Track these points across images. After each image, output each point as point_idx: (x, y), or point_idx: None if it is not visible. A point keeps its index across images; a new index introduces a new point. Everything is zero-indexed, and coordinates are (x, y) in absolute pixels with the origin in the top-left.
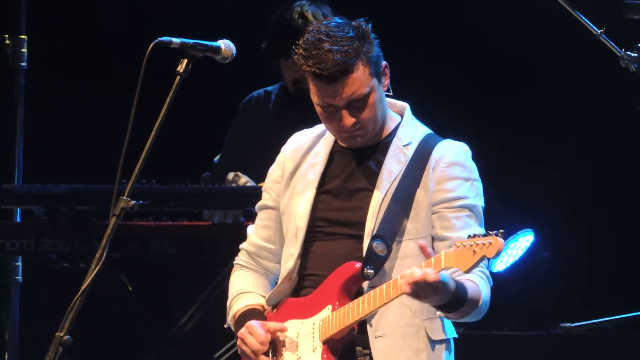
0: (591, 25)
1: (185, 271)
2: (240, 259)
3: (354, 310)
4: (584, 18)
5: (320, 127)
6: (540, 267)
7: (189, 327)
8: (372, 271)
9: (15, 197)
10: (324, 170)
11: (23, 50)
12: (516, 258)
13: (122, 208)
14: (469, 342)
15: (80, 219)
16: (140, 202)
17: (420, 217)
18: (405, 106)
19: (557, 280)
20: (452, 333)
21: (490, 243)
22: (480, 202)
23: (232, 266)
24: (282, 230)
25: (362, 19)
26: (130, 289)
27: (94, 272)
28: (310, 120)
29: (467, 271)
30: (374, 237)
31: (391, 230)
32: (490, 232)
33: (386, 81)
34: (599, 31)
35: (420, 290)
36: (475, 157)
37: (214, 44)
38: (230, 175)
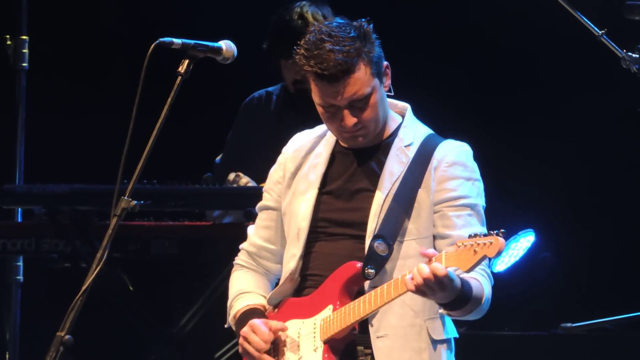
0: (592, 26)
1: (186, 271)
2: (241, 259)
3: (355, 310)
4: (585, 19)
5: (321, 128)
6: (541, 267)
7: (190, 327)
8: (373, 271)
9: (16, 197)
10: (325, 170)
11: (24, 50)
12: (517, 258)
13: (123, 208)
14: (470, 342)
15: (81, 219)
16: (141, 202)
17: (422, 218)
18: (407, 106)
19: (558, 280)
20: (453, 333)
21: (491, 243)
22: (481, 202)
23: (232, 266)
24: (283, 231)
25: (363, 19)
26: (131, 288)
27: (95, 272)
28: (311, 120)
29: (468, 271)
30: (375, 237)
31: (392, 230)
32: (491, 232)
33: (387, 81)
34: (600, 32)
35: (427, 287)
36: (476, 157)
37: (215, 44)
38: (231, 176)
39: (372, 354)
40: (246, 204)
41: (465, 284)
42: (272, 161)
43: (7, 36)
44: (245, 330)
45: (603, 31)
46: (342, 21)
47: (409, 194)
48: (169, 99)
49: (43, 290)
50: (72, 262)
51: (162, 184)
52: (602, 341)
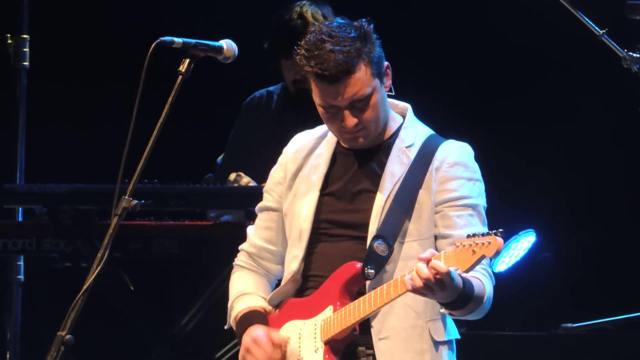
0: (593, 25)
1: (187, 271)
2: (241, 259)
3: (355, 310)
4: (585, 18)
5: (322, 128)
6: (541, 267)
7: (191, 326)
8: (372, 271)
9: (17, 196)
10: (327, 171)
11: (25, 49)
12: (518, 258)
13: (124, 207)
14: (470, 342)
15: (82, 218)
16: (142, 201)
17: (423, 219)
18: (407, 107)
19: (558, 280)
20: (455, 334)
21: (489, 242)
22: (482, 202)
23: (232, 267)
24: (284, 232)
25: (364, 19)
26: (132, 288)
27: (96, 271)
28: (312, 120)
29: (467, 270)
30: (375, 237)
31: (393, 231)
32: (490, 232)
33: (388, 82)
34: (601, 32)
35: (427, 287)
36: (477, 157)
37: (216, 43)
38: (232, 176)
39: (373, 355)
40: (247, 204)
41: (467, 283)
42: (273, 161)
43: (8, 35)
44: (247, 343)
45: (604, 31)
46: (342, 21)
47: (410, 194)
48: (170, 99)
49: (44, 290)
50: (73, 262)
51: (163, 183)
52: (603, 341)
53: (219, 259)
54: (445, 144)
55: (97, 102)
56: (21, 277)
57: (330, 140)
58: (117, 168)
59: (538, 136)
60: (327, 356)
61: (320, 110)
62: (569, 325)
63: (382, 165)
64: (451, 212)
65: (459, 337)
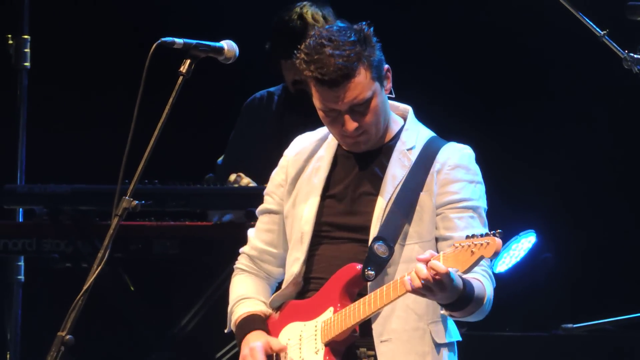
0: (594, 26)
1: (188, 271)
2: (241, 262)
3: (356, 311)
4: (587, 19)
5: (323, 130)
6: (542, 268)
7: (191, 327)
8: (372, 272)
9: (18, 197)
10: (328, 174)
11: (26, 50)
12: (518, 259)
13: (124, 208)
14: (470, 343)
15: (83, 219)
16: (143, 202)
17: (425, 221)
18: (408, 109)
19: (558, 281)
20: (456, 336)
21: (488, 243)
22: (483, 204)
23: (233, 268)
24: (285, 235)
25: (364, 23)
26: (132, 289)
27: (96, 272)
28: (312, 121)
29: (466, 271)
30: (375, 239)
31: (394, 233)
32: (489, 232)
33: (388, 85)
34: (602, 32)
35: (426, 288)
36: (478, 159)
37: (217, 44)
38: (233, 177)
39: (375, 356)
40: (248, 204)
41: (467, 284)
42: (274, 161)
43: (9, 35)
44: (244, 352)
45: (605, 32)
46: (342, 25)
47: (411, 197)
48: (171, 99)
49: (44, 290)
50: (73, 262)
51: (164, 184)
52: (603, 342)
53: (220, 259)
54: (446, 147)
55: (98, 103)
56: (21, 277)
57: (331, 142)
58: (118, 168)
59: (538, 137)
60: (327, 357)
61: (320, 114)
62: (569, 325)
63: (384, 168)
64: (452, 214)
65: (460, 338)
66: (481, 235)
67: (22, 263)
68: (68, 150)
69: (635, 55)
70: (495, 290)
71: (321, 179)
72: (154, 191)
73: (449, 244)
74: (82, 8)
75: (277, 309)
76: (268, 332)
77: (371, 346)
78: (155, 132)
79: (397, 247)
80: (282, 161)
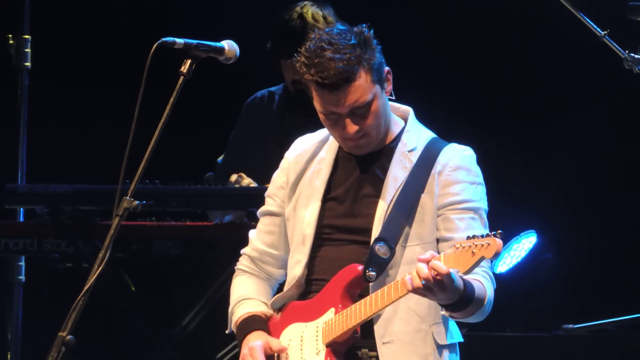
0: (595, 27)
1: (188, 272)
2: (242, 264)
3: (357, 312)
4: (587, 19)
5: (323, 132)
6: (542, 268)
7: (192, 327)
8: (374, 273)
9: (19, 196)
10: (329, 176)
11: (27, 50)
12: (519, 259)
13: (125, 208)
14: (471, 343)
15: (83, 218)
16: (144, 202)
17: (426, 222)
18: (409, 110)
19: (559, 281)
20: (458, 337)
21: (488, 244)
22: (484, 205)
23: (234, 268)
24: (286, 237)
25: (364, 25)
26: (133, 289)
27: (97, 272)
28: (313, 121)
29: (467, 272)
30: (376, 240)
31: (395, 234)
32: (489, 233)
33: (389, 87)
34: (603, 32)
35: (427, 287)
36: (478, 159)
37: (218, 44)
38: (234, 177)
39: (377, 357)
40: (248, 205)
41: (468, 285)
42: (274, 161)
43: (10, 35)
44: (244, 353)
45: (605, 32)
46: (342, 27)
47: (413, 199)
48: (172, 99)
49: (45, 290)
50: (74, 262)
51: (165, 184)
52: (604, 342)
53: (221, 259)
54: (447, 148)
55: (99, 103)
56: (22, 277)
57: (332, 144)
58: (119, 168)
59: (539, 137)
60: (328, 358)
61: (321, 117)
62: (570, 326)
63: (385, 170)
64: (453, 215)
65: (462, 340)
66: (482, 236)
67: (23, 263)
68: (69, 150)
69: (636, 56)
70: (496, 290)
71: (322, 181)
72: (154, 191)
73: (450, 245)
74: (82, 8)
75: (279, 310)
76: (269, 333)
77: (373, 347)
78: (156, 132)
79: (398, 249)
80: (283, 163)
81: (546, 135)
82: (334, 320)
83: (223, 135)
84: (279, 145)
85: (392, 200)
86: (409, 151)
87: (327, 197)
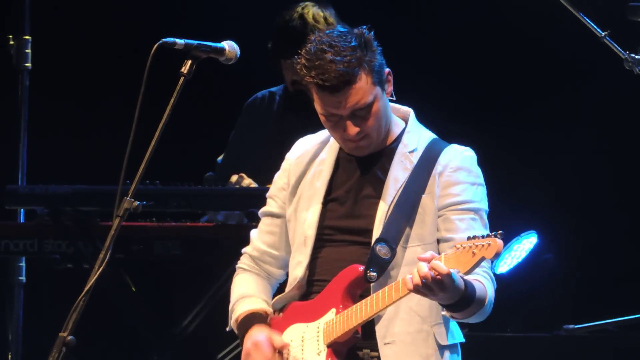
0: (595, 27)
1: (189, 272)
2: (243, 262)
3: (358, 313)
4: (588, 20)
5: (324, 133)
6: (543, 268)
7: (192, 327)
8: (375, 274)
9: (19, 197)
10: (330, 178)
11: (27, 51)
12: (519, 260)
13: (125, 209)
14: (471, 344)
15: (84, 219)
16: (144, 202)
17: (427, 223)
18: (409, 111)
19: (560, 282)
20: (459, 338)
21: (489, 244)
22: (484, 206)
23: (235, 268)
24: (287, 238)
25: (364, 27)
26: (134, 289)
27: (98, 272)
28: (314, 121)
29: (467, 272)
30: (377, 241)
31: (396, 235)
32: (490, 234)
33: (390, 88)
34: (603, 33)
35: (426, 286)
36: (479, 160)
37: (218, 45)
38: (234, 178)
39: (378, 357)
40: (249, 205)
41: (468, 285)
42: (275, 161)
43: (10, 36)
44: (248, 347)
45: (606, 32)
46: (343, 30)
47: (413, 200)
48: (172, 100)
49: (45, 291)
50: (75, 263)
51: (165, 184)
52: (605, 343)
53: (221, 260)
54: (448, 149)
55: (99, 103)
56: (23, 278)
57: (333, 145)
58: (119, 169)
59: (539, 138)
60: (329, 359)
61: (322, 118)
62: (571, 326)
63: (385, 171)
64: (453, 215)
65: (463, 340)
66: (482, 237)
67: (23, 264)
68: (69, 150)
69: (636, 56)
70: (497, 291)
71: (323, 182)
72: (155, 192)
73: (450, 246)
74: (83, 9)
75: (280, 310)
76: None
77: (374, 348)
78: (157, 133)
79: (399, 250)
80: (285, 164)
81: (547, 136)
82: (335, 321)
83: (223, 135)
84: (279, 146)
85: (392, 201)
86: (410, 152)
87: (328, 198)
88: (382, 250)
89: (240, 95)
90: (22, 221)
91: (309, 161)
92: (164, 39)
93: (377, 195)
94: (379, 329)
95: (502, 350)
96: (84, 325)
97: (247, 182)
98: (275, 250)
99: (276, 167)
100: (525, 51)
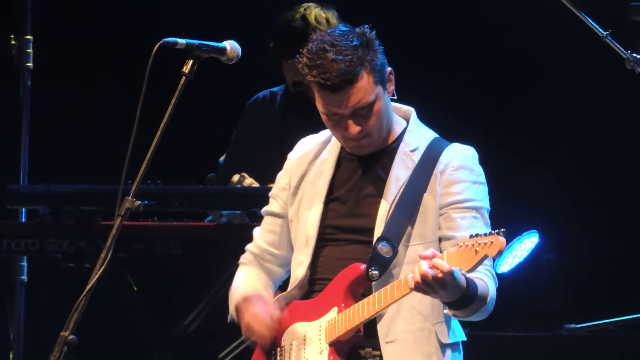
0: (597, 27)
1: (190, 271)
2: (245, 258)
3: (360, 311)
4: (589, 20)
5: (326, 133)
6: (544, 268)
7: (194, 327)
8: (376, 272)
9: (21, 197)
10: (331, 177)
11: (29, 50)
12: (521, 259)
13: (127, 208)
14: (473, 343)
15: (85, 219)
16: (146, 202)
17: (428, 222)
18: (411, 110)
19: (561, 281)
20: (461, 336)
21: (491, 242)
22: (486, 205)
23: (236, 267)
24: (288, 237)
25: (366, 26)
26: (135, 289)
27: (99, 272)
28: (315, 121)
29: (470, 270)
30: (379, 239)
31: (397, 233)
32: (492, 231)
33: (391, 87)
34: (605, 33)
35: (427, 284)
36: (481, 159)
37: (220, 44)
38: (236, 177)
39: (380, 356)
40: (250, 205)
41: (470, 283)
42: (276, 161)
43: (12, 36)
44: (247, 320)
45: (607, 32)
46: (344, 29)
47: (415, 198)
48: (173, 100)
49: (47, 290)
50: (76, 262)
51: (166, 184)
52: (606, 342)
53: (223, 259)
54: (449, 148)
55: (100, 103)
56: (24, 277)
57: (334, 145)
58: (121, 169)
59: (541, 137)
60: (332, 357)
61: (323, 117)
62: (572, 326)
63: (387, 170)
64: (455, 214)
65: (465, 338)
66: (485, 235)
67: (24, 263)
68: (71, 150)
69: (638, 56)
70: (498, 290)
71: (325, 182)
72: (156, 191)
73: (452, 244)
74: (84, 8)
75: (281, 309)
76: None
77: (376, 346)
78: (158, 133)
79: (401, 248)
80: (287, 164)
81: (549, 135)
82: (337, 320)
83: (225, 135)
84: (280, 146)
85: (394, 200)
86: (411, 151)
87: (330, 197)
88: (383, 248)
89: (241, 95)
90: (23, 220)
91: (311, 161)
92: (166, 39)
93: (379, 194)
94: (380, 327)
95: (504, 350)
96: (85, 325)
97: (249, 181)
98: (276, 249)
99: (277, 167)
100: (527, 51)
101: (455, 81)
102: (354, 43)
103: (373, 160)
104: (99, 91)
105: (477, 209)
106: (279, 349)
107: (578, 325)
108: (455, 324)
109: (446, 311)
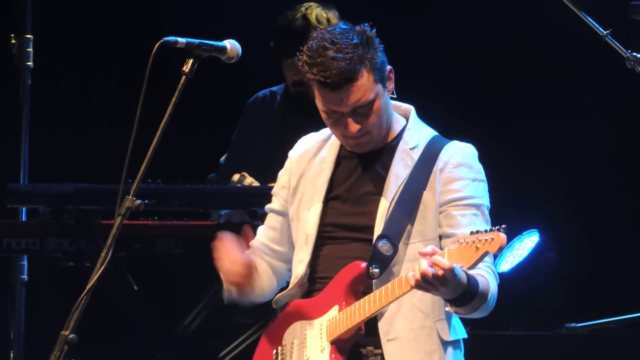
0: (597, 26)
1: (191, 271)
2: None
3: (361, 309)
4: (589, 19)
5: (326, 131)
6: (545, 267)
7: (194, 326)
8: (377, 270)
9: (21, 196)
10: (331, 175)
11: (29, 49)
12: (521, 258)
13: (127, 207)
14: (473, 342)
15: (86, 218)
16: (146, 201)
17: (428, 220)
18: (410, 108)
19: (562, 280)
20: (462, 334)
21: (492, 239)
22: (486, 202)
23: None
24: (288, 235)
25: (366, 24)
26: (136, 288)
27: (100, 271)
28: (315, 120)
29: (471, 267)
30: (379, 237)
31: (397, 231)
32: (493, 228)
33: (391, 86)
34: (605, 32)
35: (427, 282)
36: (481, 158)
37: (220, 44)
38: (236, 177)
39: (382, 354)
40: (251, 204)
41: (471, 279)
42: (276, 161)
43: (12, 35)
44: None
45: (608, 31)
46: (345, 27)
47: (415, 196)
48: (174, 99)
49: (47, 290)
50: (77, 261)
51: (167, 183)
52: (607, 341)
53: None
54: (449, 145)
55: (101, 102)
56: (25, 276)
57: (334, 143)
58: (121, 168)
59: (542, 136)
60: (333, 356)
61: (323, 115)
62: (573, 325)
63: (387, 168)
64: (455, 211)
65: (466, 336)
66: (485, 231)
67: (25, 262)
68: (71, 149)
69: (638, 55)
70: (499, 289)
71: (324, 180)
72: (157, 190)
73: (452, 241)
74: (84, 7)
75: (282, 308)
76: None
77: (377, 345)
78: (158, 132)
79: (401, 246)
80: (287, 163)
81: (549, 134)
82: (338, 318)
83: (225, 134)
84: (280, 145)
85: (394, 197)
86: (411, 149)
87: (329, 196)
88: (384, 246)
89: (241, 95)
90: (24, 220)
91: (310, 159)
92: (166, 38)
93: (378, 192)
94: (381, 325)
95: (504, 349)
96: (86, 324)
97: (249, 180)
98: (277, 245)
99: (278, 166)
100: (529, 47)
101: (456, 80)
102: (354, 41)
103: (373, 158)
104: (99, 90)
105: (477, 206)
106: (280, 348)
107: (578, 325)
108: (456, 321)
109: (447, 308)
